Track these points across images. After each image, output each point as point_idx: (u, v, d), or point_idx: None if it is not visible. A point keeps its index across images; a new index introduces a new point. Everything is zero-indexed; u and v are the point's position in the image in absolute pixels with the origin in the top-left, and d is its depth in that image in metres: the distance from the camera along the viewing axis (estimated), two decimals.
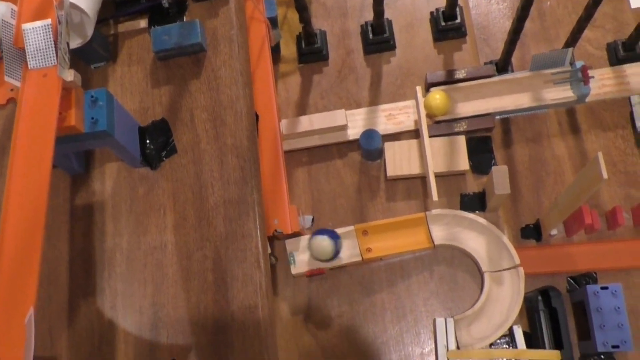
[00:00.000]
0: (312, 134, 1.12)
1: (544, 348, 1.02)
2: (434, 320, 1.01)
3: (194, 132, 0.97)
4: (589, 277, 1.15)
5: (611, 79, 1.09)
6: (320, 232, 1.01)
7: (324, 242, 0.99)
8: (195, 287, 0.91)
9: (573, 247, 1.15)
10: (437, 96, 1.05)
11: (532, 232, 1.19)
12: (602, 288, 1.08)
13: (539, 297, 1.05)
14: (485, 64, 1.26)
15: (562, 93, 1.06)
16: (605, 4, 1.20)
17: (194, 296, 0.91)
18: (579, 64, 1.04)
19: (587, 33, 1.24)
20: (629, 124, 1.21)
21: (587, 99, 1.08)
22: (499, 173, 0.94)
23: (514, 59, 1.27)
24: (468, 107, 1.07)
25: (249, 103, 0.96)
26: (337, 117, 1.10)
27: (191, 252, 0.92)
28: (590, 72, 1.06)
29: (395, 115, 1.10)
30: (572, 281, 1.16)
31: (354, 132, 1.11)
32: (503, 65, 1.22)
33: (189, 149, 0.97)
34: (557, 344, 1.03)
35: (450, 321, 0.99)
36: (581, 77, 1.03)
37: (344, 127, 1.11)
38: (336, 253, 1.01)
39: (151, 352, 0.91)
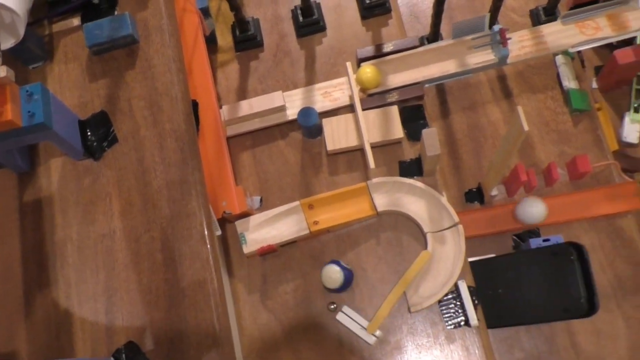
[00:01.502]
0: (253, 117, 1.15)
1: (578, 292, 1.10)
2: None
3: (133, 120, 1.00)
4: (532, 233, 1.20)
5: (530, 40, 1.14)
6: (333, 262, 1.04)
7: (335, 274, 1.03)
8: (145, 269, 0.94)
9: (512, 206, 1.20)
10: (368, 70, 1.09)
11: (475, 196, 1.24)
12: (544, 240, 1.12)
13: (572, 250, 1.12)
14: (419, 39, 1.31)
15: (484, 57, 1.11)
16: None
17: (145, 277, 0.93)
18: (496, 27, 1.09)
19: (511, 2, 1.30)
20: (557, 85, 1.27)
21: (509, 61, 1.12)
22: (429, 135, 0.98)
23: (445, 33, 1.32)
24: (398, 78, 1.11)
25: (183, 88, 0.99)
26: (274, 99, 1.14)
27: (139, 236, 0.95)
28: (509, 35, 1.10)
29: (330, 93, 1.14)
30: (516, 238, 1.20)
31: (292, 112, 1.14)
32: (433, 39, 1.27)
33: (129, 137, 1.00)
34: (587, 288, 1.09)
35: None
36: (500, 40, 1.08)
37: (282, 108, 1.14)
38: (346, 284, 1.04)
39: (108, 337, 0.93)
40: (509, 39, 1.09)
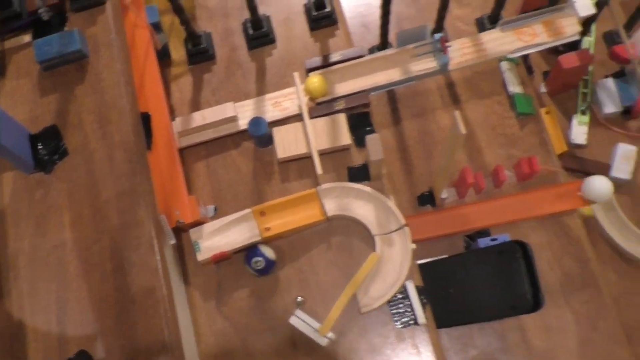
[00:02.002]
0: (206, 128, 1.17)
1: (523, 289, 1.13)
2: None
3: (83, 133, 1.02)
4: (482, 234, 1.23)
5: (470, 47, 1.17)
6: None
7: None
8: (96, 278, 0.95)
9: (466, 208, 1.23)
10: (315, 80, 1.12)
11: (427, 199, 1.27)
12: (492, 240, 1.15)
13: (518, 247, 1.15)
14: (369, 49, 1.34)
15: (427, 64, 1.14)
16: None
17: (95, 286, 0.95)
18: (437, 36, 1.12)
19: (457, 12, 1.33)
20: (503, 90, 1.30)
21: (451, 67, 1.15)
22: (372, 140, 1.01)
23: (394, 42, 1.34)
24: (345, 87, 1.14)
25: (132, 101, 1.01)
26: (226, 110, 1.16)
27: (90, 246, 0.96)
28: (451, 43, 1.14)
29: (280, 102, 1.17)
30: (467, 239, 1.23)
31: (244, 122, 1.16)
32: (382, 48, 1.30)
33: (79, 150, 1.01)
34: (532, 284, 1.13)
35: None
36: (440, 48, 1.11)
37: (234, 119, 1.16)
38: (268, 266, 1.08)
39: (60, 346, 0.94)
40: (449, 46, 1.12)
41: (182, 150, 1.18)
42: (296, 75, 1.14)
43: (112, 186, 0.98)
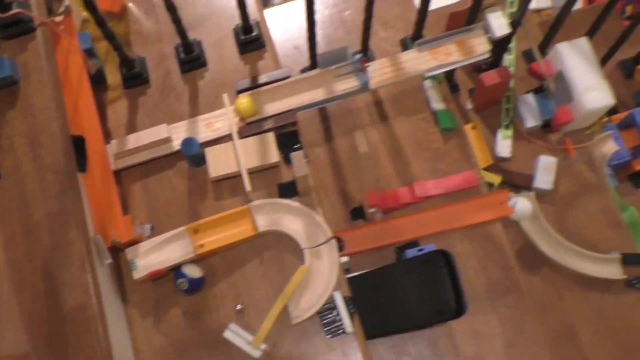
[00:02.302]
0: (141, 149, 1.19)
1: (447, 295, 1.18)
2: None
3: (15, 156, 1.03)
4: (411, 245, 1.27)
5: (389, 67, 1.23)
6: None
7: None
8: (28, 298, 0.97)
9: (396, 221, 1.28)
10: (244, 100, 1.16)
11: (359, 214, 1.31)
12: (419, 250, 1.20)
13: (441, 257, 1.20)
14: (301, 70, 1.39)
15: (349, 84, 1.19)
16: (395, 6, 1.36)
17: (28, 306, 0.96)
18: (356, 56, 1.17)
19: (383, 34, 1.39)
20: (427, 107, 1.35)
21: (372, 86, 1.20)
22: (297, 157, 1.05)
23: None
24: (273, 107, 1.18)
25: (62, 124, 1.04)
26: (160, 131, 1.19)
27: (22, 266, 0.98)
28: (371, 63, 1.19)
29: (213, 123, 1.20)
30: (398, 250, 1.27)
31: (178, 143, 1.19)
32: (312, 69, 1.35)
33: (11, 173, 1.03)
34: (455, 291, 1.18)
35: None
36: (360, 68, 1.16)
37: (168, 140, 1.19)
38: (193, 285, 1.11)
39: None
40: (368, 66, 1.17)
41: (118, 172, 1.20)
42: (225, 96, 1.17)
43: (44, 207, 0.99)
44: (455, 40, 1.25)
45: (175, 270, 1.11)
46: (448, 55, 1.23)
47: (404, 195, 1.27)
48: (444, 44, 1.25)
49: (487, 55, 1.25)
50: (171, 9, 1.12)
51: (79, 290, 0.95)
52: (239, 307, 1.11)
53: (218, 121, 1.21)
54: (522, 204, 1.29)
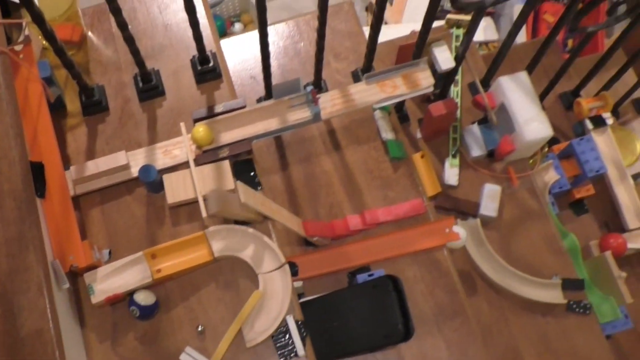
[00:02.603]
0: (100, 175, 1.21)
1: (395, 319, 1.21)
2: None
3: None
4: (363, 269, 1.31)
5: (340, 98, 1.28)
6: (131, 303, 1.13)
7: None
8: None
9: (348, 247, 1.32)
10: (200, 129, 1.19)
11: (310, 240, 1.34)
12: (369, 275, 1.24)
13: (389, 281, 1.23)
14: (257, 99, 1.43)
15: (301, 114, 1.24)
16: (346, 39, 1.41)
17: None
18: (308, 88, 1.21)
19: (335, 65, 1.44)
20: (378, 137, 1.40)
21: (323, 117, 1.25)
22: (213, 195, 1.10)
23: None
24: (229, 136, 1.22)
25: (21, 152, 1.05)
26: (118, 158, 1.21)
27: None
28: (323, 95, 1.23)
29: (170, 150, 1.23)
30: (350, 275, 1.31)
31: (136, 169, 1.21)
32: (268, 99, 1.39)
33: None
34: (403, 315, 1.21)
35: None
36: (312, 99, 1.20)
37: (127, 167, 1.21)
38: (144, 312, 1.13)
39: None
40: (319, 97, 1.21)
41: (77, 197, 1.22)
42: (182, 125, 1.20)
43: (2, 233, 1.00)
44: (402, 74, 1.31)
45: (129, 297, 1.12)
46: (395, 88, 1.29)
47: (340, 226, 1.31)
48: (391, 77, 1.31)
49: (431, 89, 1.31)
50: (129, 40, 1.15)
51: (36, 315, 0.96)
52: (200, 327, 1.13)
53: (175, 149, 1.23)
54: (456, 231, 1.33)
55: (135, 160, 1.23)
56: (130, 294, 1.13)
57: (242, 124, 1.22)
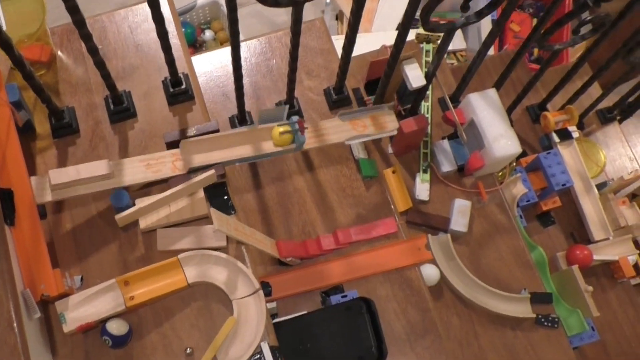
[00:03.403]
0: (80, 183, 1.16)
1: (369, 342, 1.21)
2: None
3: None
4: (336, 289, 1.30)
5: (314, 132, 1.29)
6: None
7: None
8: None
9: (321, 266, 1.30)
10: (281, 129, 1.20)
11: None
12: (343, 296, 1.22)
13: (363, 304, 1.23)
14: (230, 118, 1.40)
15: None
16: (319, 55, 1.39)
17: None
18: (294, 118, 1.19)
19: (308, 82, 1.42)
20: (350, 155, 1.38)
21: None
22: (160, 233, 1.11)
23: (253, 111, 1.41)
24: (202, 159, 1.19)
25: None
26: (100, 167, 1.15)
27: None
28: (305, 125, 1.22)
29: (153, 165, 1.19)
30: (324, 295, 1.30)
31: (119, 179, 1.17)
32: (241, 117, 1.36)
33: None
34: (377, 337, 1.21)
35: None
36: (298, 128, 1.18)
37: (108, 176, 1.16)
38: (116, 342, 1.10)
39: None
40: (306, 128, 1.20)
41: (49, 222, 1.18)
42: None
43: None
44: (370, 115, 1.34)
45: (102, 325, 1.09)
46: (365, 127, 1.31)
47: (313, 246, 1.30)
48: (361, 117, 1.33)
49: (395, 132, 1.35)
50: (100, 65, 1.12)
51: (6, 350, 0.93)
52: (189, 350, 1.11)
53: (158, 163, 1.20)
54: (429, 271, 1.37)
55: (119, 170, 1.19)
56: (103, 321, 1.10)
57: (216, 147, 1.19)
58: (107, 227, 1.21)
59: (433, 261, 1.37)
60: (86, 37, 1.05)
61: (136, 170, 1.19)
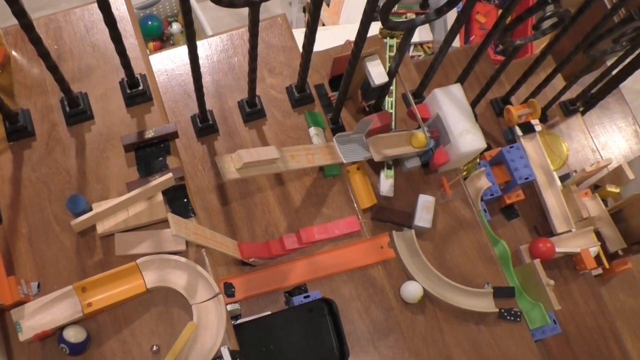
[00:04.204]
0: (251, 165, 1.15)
1: (331, 343, 1.18)
2: None
3: None
4: (300, 289, 1.27)
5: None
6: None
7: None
8: None
9: (284, 266, 1.27)
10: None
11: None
12: (305, 297, 1.20)
13: (324, 305, 1.20)
14: (191, 117, 1.36)
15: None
16: (281, 53, 1.35)
17: None
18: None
19: (270, 80, 1.38)
20: None
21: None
22: (120, 238, 1.07)
23: (215, 110, 1.37)
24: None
25: None
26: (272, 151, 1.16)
27: None
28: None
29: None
30: (287, 295, 1.27)
31: None
32: (203, 117, 1.32)
33: None
34: (338, 338, 1.18)
35: None
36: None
37: None
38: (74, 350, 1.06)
39: None
40: None
41: (3, 227, 1.14)
42: None
43: None
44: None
45: (59, 333, 1.06)
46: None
47: (275, 246, 1.27)
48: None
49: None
50: (52, 69, 1.07)
51: None
52: (155, 347, 1.08)
53: None
54: (412, 288, 1.37)
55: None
56: (61, 328, 1.07)
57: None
58: (64, 232, 1.17)
59: (412, 277, 1.39)
60: (36, 40, 1.01)
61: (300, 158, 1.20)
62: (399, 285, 1.39)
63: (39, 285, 1.14)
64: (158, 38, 2.43)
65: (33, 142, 1.22)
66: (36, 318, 1.07)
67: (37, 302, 1.08)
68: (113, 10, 0.98)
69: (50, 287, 1.13)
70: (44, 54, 1.05)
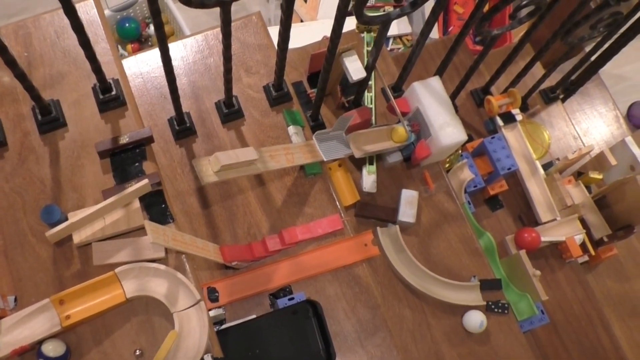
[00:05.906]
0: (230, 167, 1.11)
1: (317, 346, 1.15)
2: None
3: None
4: (284, 291, 1.23)
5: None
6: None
7: None
8: None
9: (268, 268, 1.24)
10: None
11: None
12: (290, 299, 1.16)
13: (309, 307, 1.17)
14: (168, 119, 1.31)
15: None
16: (257, 52, 1.31)
17: None
18: None
19: (247, 80, 1.33)
20: None
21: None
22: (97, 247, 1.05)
23: (192, 111, 1.33)
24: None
25: None
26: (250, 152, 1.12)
27: None
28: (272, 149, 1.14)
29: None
30: (272, 297, 1.23)
31: None
32: (180, 120, 1.28)
33: None
34: (324, 340, 1.15)
35: None
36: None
37: None
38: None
39: None
40: None
41: None
42: None
43: None
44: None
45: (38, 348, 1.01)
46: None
47: (258, 248, 1.23)
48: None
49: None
50: (20, 77, 1.02)
51: None
52: (138, 352, 1.04)
53: None
54: (474, 316, 1.36)
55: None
56: (39, 343, 1.02)
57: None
58: (40, 243, 1.12)
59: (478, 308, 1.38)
60: (1, 49, 0.95)
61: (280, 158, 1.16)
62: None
63: (15, 299, 1.09)
64: (136, 40, 2.37)
65: (5, 152, 1.17)
66: (14, 333, 1.02)
67: (14, 317, 1.03)
68: (83, 14, 0.93)
69: (28, 300, 1.08)
70: (10, 62, 0.99)
